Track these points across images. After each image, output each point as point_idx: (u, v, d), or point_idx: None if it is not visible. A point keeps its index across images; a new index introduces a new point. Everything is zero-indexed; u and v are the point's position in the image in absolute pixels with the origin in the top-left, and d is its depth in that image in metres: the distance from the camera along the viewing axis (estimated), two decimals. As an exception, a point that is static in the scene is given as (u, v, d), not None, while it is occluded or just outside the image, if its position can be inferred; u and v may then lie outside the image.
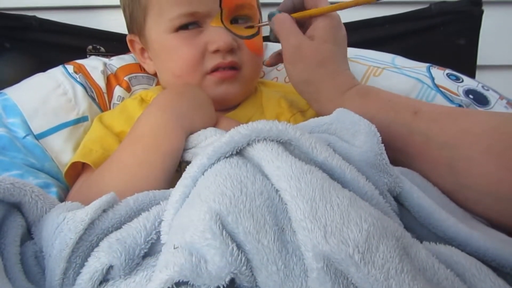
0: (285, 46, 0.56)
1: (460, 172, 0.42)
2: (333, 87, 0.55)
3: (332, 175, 0.36)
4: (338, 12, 0.57)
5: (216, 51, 0.61)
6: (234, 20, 0.64)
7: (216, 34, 0.60)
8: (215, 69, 0.62)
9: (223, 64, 0.61)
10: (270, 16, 0.59)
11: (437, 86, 0.65)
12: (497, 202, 0.40)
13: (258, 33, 0.64)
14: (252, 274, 0.30)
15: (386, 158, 0.40)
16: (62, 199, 0.56)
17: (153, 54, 0.68)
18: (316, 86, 0.55)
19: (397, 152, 0.46)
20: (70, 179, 0.59)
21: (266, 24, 0.61)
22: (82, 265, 0.35)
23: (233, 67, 0.62)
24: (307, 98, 0.58)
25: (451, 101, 0.63)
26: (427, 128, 0.45)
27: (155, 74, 0.73)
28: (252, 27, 0.63)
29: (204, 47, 0.61)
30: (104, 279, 0.34)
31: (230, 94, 0.63)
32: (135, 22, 0.68)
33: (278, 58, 0.63)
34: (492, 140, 0.41)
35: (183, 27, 0.62)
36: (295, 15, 0.58)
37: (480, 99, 0.64)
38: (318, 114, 0.56)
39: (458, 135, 0.43)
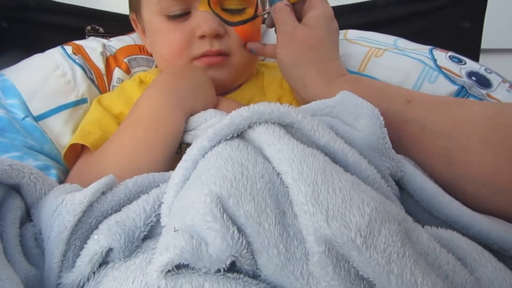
0: (279, 33, 0.58)
1: (457, 162, 0.41)
2: (322, 73, 0.55)
3: (334, 159, 0.36)
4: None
5: (203, 37, 0.60)
6: (227, 5, 0.62)
7: (202, 19, 0.59)
8: (202, 55, 0.61)
9: (210, 52, 0.60)
10: (272, 2, 0.59)
11: (439, 67, 0.64)
12: (495, 194, 0.39)
13: (252, 19, 0.62)
14: (253, 257, 0.30)
15: (389, 142, 0.39)
16: (62, 181, 0.56)
17: (147, 34, 0.67)
18: (305, 69, 0.55)
19: (392, 143, 0.45)
20: (69, 161, 0.58)
21: (267, 12, 0.60)
22: (81, 248, 0.34)
23: (221, 53, 0.61)
24: (295, 84, 0.58)
25: (453, 82, 0.62)
26: (421, 117, 0.44)
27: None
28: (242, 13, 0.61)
29: (191, 32, 0.60)
30: (104, 261, 0.34)
31: (217, 80, 0.62)
32: (133, 0, 0.67)
33: (260, 48, 0.62)
34: (488, 130, 0.40)
35: (172, 10, 0.61)
36: None
37: (482, 82, 0.63)
38: (305, 102, 0.55)
39: (454, 125, 0.42)
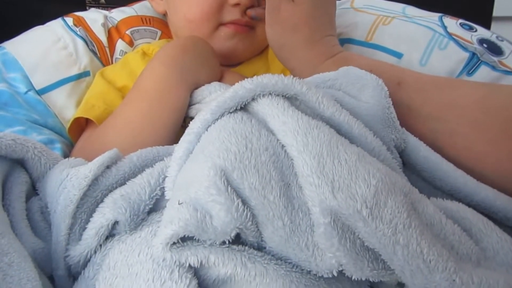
0: (267, 7, 0.54)
1: (445, 146, 0.40)
2: (306, 58, 0.52)
3: (340, 131, 0.35)
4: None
5: (237, 5, 0.59)
6: None
7: None
8: (231, 22, 0.60)
9: (240, 21, 0.60)
10: None
11: (449, 34, 0.63)
12: (482, 179, 0.38)
13: None
14: (258, 230, 0.30)
15: (394, 112, 0.39)
16: (66, 155, 0.56)
17: None
18: (291, 53, 0.53)
19: None
20: (74, 135, 0.58)
21: None
22: (87, 221, 0.35)
23: (248, 25, 0.61)
24: (284, 65, 0.56)
25: (464, 48, 0.60)
26: (410, 99, 0.43)
27: (164, 14, 0.70)
28: None
29: None
30: (110, 234, 0.35)
31: (239, 49, 0.61)
32: None
33: (262, 13, 0.58)
34: (477, 113, 0.39)
35: None
36: None
37: (494, 49, 0.61)
38: None
39: (443, 108, 0.41)
